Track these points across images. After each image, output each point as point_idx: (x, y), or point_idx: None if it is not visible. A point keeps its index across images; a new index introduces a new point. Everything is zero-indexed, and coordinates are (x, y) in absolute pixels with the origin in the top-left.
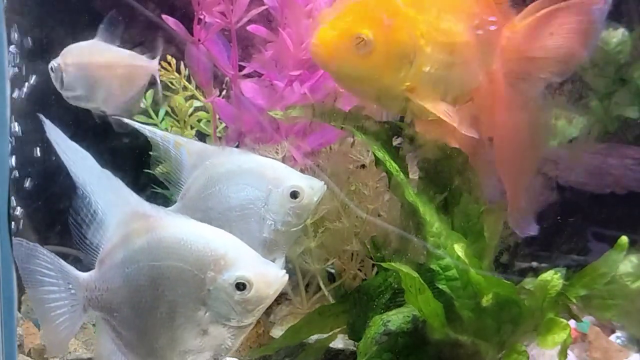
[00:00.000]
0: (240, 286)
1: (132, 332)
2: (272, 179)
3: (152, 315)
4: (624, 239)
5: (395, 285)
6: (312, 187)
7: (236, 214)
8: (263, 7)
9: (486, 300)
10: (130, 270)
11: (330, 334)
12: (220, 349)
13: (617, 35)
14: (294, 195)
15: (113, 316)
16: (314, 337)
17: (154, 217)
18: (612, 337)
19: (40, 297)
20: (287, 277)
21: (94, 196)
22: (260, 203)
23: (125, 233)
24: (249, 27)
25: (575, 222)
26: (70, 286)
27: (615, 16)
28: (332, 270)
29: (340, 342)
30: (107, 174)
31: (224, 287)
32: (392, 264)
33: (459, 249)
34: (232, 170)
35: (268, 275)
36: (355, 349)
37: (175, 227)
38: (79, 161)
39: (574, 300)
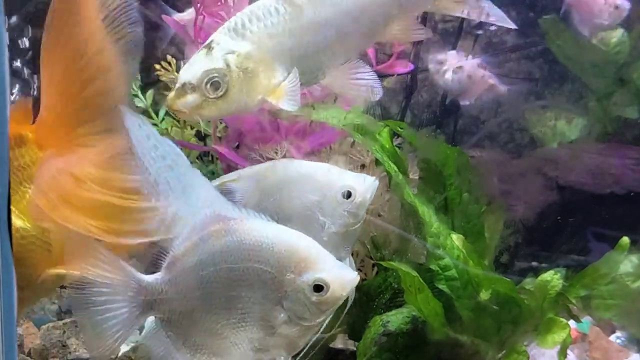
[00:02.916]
0: (318, 288)
1: (200, 333)
2: (324, 182)
3: (225, 316)
4: (625, 240)
5: (395, 286)
6: (364, 185)
7: (294, 223)
8: None
9: (485, 295)
10: (206, 273)
11: (330, 334)
12: (289, 348)
13: (616, 35)
14: (347, 195)
15: (179, 318)
16: (313, 337)
17: (234, 219)
18: (612, 337)
19: (93, 299)
20: (358, 278)
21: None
22: (315, 208)
23: (202, 236)
24: None
25: (575, 222)
26: (129, 288)
27: None
28: None
29: (340, 342)
30: (197, 173)
31: (302, 288)
32: (392, 262)
33: (456, 239)
34: (283, 180)
35: (343, 277)
36: (355, 349)
37: (255, 229)
38: (161, 159)
39: (574, 302)
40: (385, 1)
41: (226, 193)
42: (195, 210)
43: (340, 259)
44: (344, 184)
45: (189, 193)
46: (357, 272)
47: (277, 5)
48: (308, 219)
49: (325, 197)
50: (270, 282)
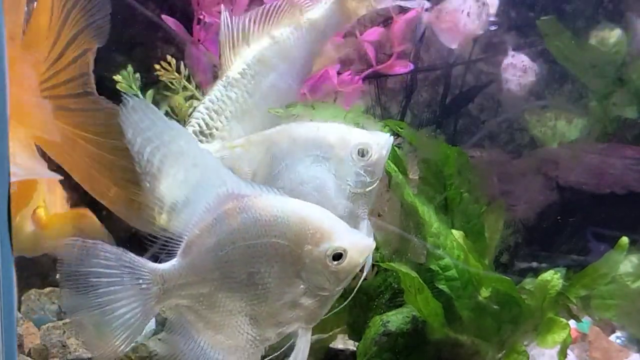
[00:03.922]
0: (336, 257)
1: (221, 313)
2: (336, 142)
3: (245, 293)
4: (625, 239)
5: (395, 285)
6: (379, 142)
7: (309, 187)
8: None
9: (485, 294)
10: (224, 253)
11: (330, 334)
12: (309, 319)
13: (614, 35)
14: (362, 153)
15: (199, 301)
16: (314, 337)
17: (248, 196)
18: (612, 337)
19: (98, 301)
20: (374, 244)
21: (173, 180)
22: (329, 170)
23: (216, 216)
24: None
25: (575, 222)
26: (140, 281)
27: (613, 16)
28: None
29: (340, 342)
30: (205, 152)
31: (320, 258)
32: (391, 264)
33: (457, 235)
34: (294, 144)
35: (360, 244)
36: (355, 349)
37: (268, 204)
38: (168, 140)
39: (574, 301)
40: (315, 37)
41: (236, 161)
42: (207, 192)
43: (357, 222)
44: (358, 141)
45: (199, 176)
46: (372, 239)
47: (228, 93)
48: (322, 182)
49: (339, 157)
50: (288, 255)
